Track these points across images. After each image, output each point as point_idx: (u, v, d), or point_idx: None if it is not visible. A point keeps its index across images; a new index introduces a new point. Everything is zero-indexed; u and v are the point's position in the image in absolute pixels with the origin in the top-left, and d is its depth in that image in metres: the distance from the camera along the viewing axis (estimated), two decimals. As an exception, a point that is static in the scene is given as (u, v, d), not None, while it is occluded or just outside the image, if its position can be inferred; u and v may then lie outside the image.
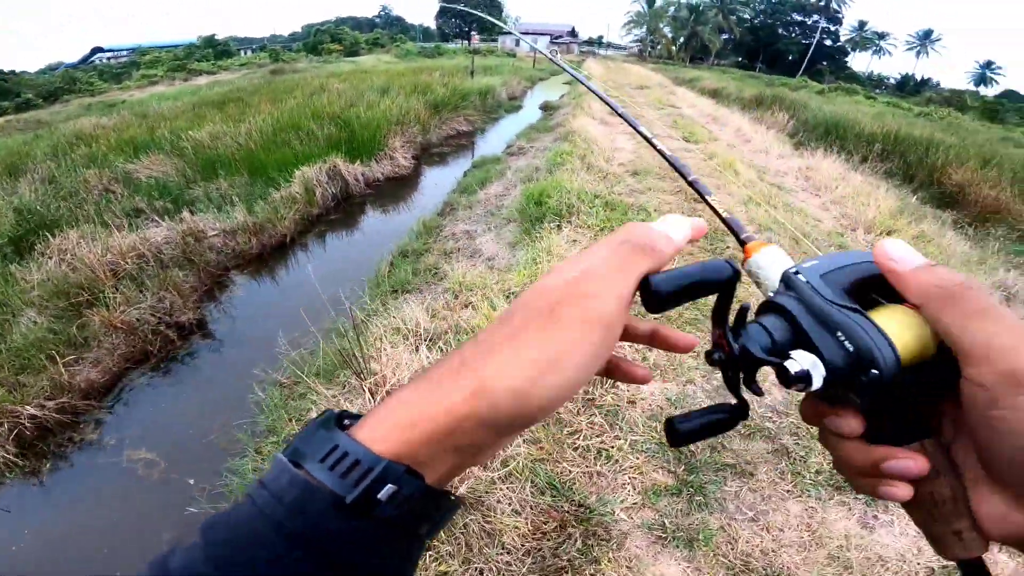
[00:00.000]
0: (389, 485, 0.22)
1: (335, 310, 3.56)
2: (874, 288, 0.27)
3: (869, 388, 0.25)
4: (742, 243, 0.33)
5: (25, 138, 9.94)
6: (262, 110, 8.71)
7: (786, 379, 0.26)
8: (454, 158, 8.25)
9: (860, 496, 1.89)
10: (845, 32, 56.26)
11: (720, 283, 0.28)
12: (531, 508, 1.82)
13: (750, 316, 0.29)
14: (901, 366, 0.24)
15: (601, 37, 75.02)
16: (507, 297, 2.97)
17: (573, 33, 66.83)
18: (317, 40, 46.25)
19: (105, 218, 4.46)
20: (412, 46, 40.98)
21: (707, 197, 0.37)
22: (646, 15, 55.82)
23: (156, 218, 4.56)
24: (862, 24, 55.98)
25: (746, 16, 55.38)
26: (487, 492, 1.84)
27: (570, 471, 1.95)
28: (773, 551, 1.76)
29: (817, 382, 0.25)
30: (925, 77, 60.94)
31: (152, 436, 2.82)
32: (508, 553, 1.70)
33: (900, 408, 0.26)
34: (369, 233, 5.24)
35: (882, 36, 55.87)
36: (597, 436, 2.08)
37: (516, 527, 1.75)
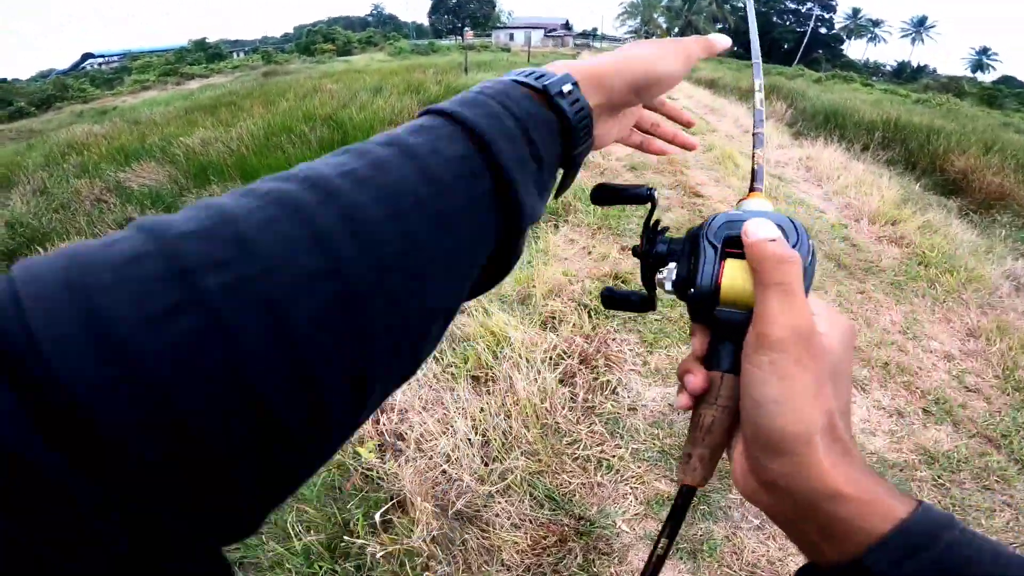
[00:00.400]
0: (568, 84, 0.31)
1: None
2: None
3: (691, 300, 0.33)
4: (751, 189, 0.39)
5: (17, 148, 9.88)
6: (254, 113, 8.63)
7: (654, 278, 0.37)
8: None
9: None
10: (839, 20, 55.95)
11: (639, 197, 0.40)
12: (530, 522, 1.76)
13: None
14: (719, 299, 0.31)
15: (596, 29, 74.52)
16: (503, 302, 2.90)
17: (567, 26, 66.42)
18: (309, 41, 46.05)
19: (98, 229, 4.40)
20: (405, 44, 40.71)
21: (756, 150, 0.44)
22: (640, 5, 55.49)
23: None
24: (856, 11, 55.72)
25: (740, 5, 54.98)
26: (485, 506, 1.78)
27: (570, 483, 1.89)
28: (780, 560, 1.71)
29: (667, 285, 0.35)
30: (921, 64, 60.62)
31: None
32: (508, 570, 1.64)
33: (719, 336, 0.32)
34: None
35: (876, 23, 55.58)
36: (597, 445, 2.02)
37: (515, 542, 1.69)
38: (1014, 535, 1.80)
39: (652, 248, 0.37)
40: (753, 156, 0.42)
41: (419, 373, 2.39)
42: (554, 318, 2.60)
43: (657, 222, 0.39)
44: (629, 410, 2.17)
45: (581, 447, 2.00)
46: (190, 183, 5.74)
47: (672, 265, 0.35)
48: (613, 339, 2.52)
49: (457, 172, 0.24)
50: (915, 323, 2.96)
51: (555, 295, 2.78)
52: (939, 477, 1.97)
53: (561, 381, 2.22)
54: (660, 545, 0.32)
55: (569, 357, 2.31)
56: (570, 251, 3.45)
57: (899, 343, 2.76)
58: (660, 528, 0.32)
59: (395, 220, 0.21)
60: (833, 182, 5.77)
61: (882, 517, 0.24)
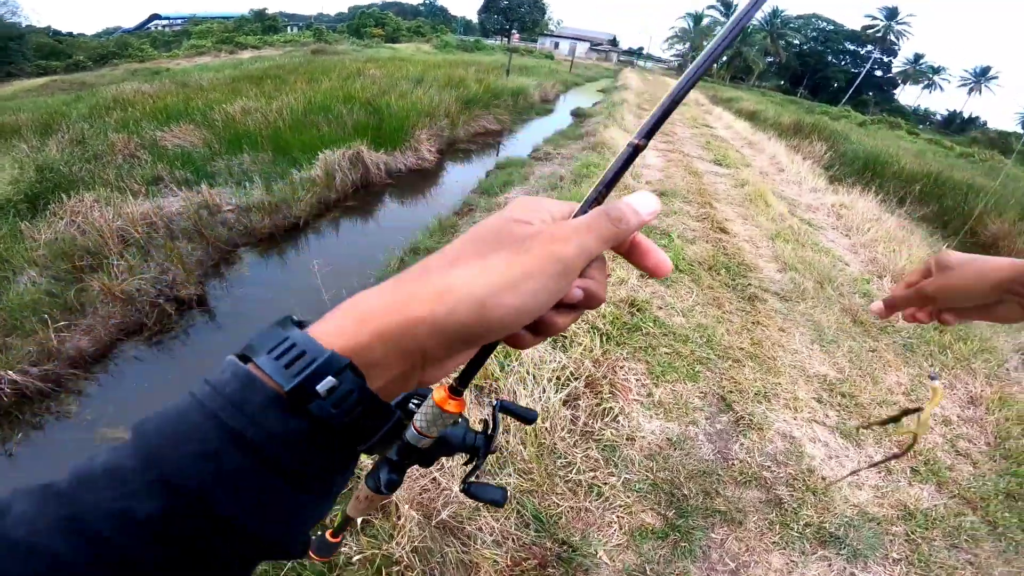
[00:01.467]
0: (329, 378, 0.22)
1: (337, 299, 3.50)
2: None
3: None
4: None
5: (66, 98, 10.15)
6: (297, 89, 8.77)
7: None
8: (479, 156, 8.18)
9: (843, 552, 1.87)
10: (898, 64, 54.86)
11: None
12: (513, 541, 1.73)
13: None
14: None
15: (641, 48, 74.38)
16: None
17: (614, 42, 66.38)
18: (361, 22, 46.78)
19: (124, 183, 4.49)
20: (452, 38, 41.08)
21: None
22: (691, 32, 55.19)
23: (175, 188, 4.58)
24: (918, 57, 54.49)
25: (795, 41, 54.40)
26: (469, 519, 1.76)
27: (558, 505, 1.86)
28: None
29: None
30: (972, 115, 59.08)
31: (131, 414, 2.71)
32: (482, 587, 1.62)
33: None
34: (384, 224, 5.19)
35: (937, 71, 54.29)
36: (591, 471, 1.98)
37: (495, 560, 1.66)
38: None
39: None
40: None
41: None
42: (566, 338, 2.57)
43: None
44: (627, 440, 2.13)
45: (575, 471, 1.97)
46: (222, 149, 5.84)
47: None
48: (621, 367, 2.49)
49: (150, 544, 0.19)
50: (920, 387, 2.92)
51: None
52: (912, 533, 1.99)
53: (564, 403, 2.19)
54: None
55: (576, 379, 2.29)
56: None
57: (900, 404, 2.71)
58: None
59: None
60: (862, 234, 5.64)
61: None
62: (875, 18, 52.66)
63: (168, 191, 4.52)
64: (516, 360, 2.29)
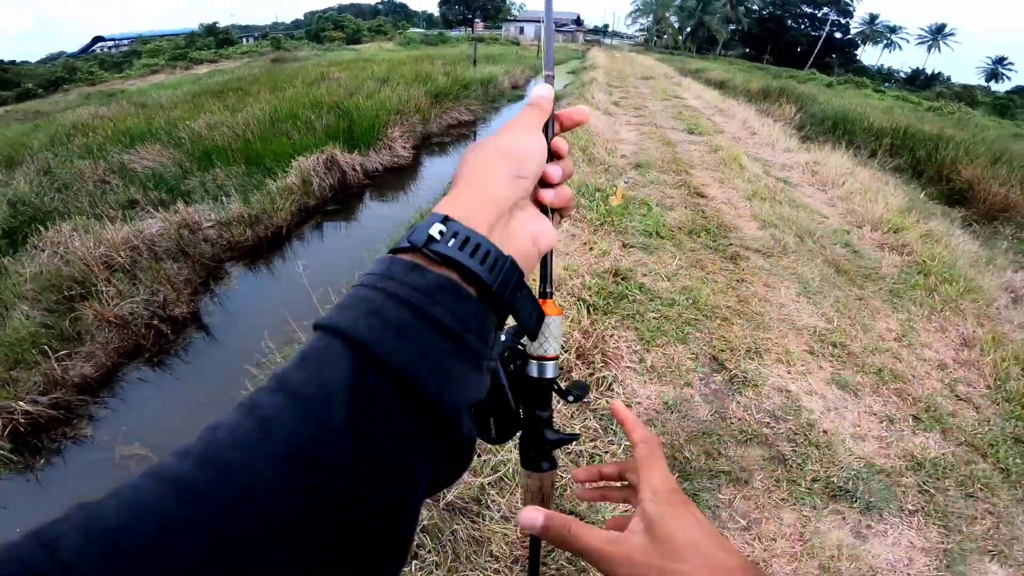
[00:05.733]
0: (436, 225, 0.28)
1: (325, 308, 3.51)
2: None
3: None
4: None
5: (24, 128, 9.86)
6: (261, 99, 8.61)
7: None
8: (455, 148, 8.16)
9: (855, 505, 1.86)
10: (855, 25, 55.36)
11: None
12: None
13: None
14: None
15: (607, 26, 74.00)
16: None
17: (578, 21, 65.95)
18: (319, 27, 45.82)
19: (99, 210, 4.41)
20: (415, 34, 40.50)
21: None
22: (652, 4, 54.99)
23: (151, 209, 4.51)
24: (873, 17, 55.04)
25: (755, 7, 54.53)
26: (476, 499, 1.80)
27: (561, 477, 1.90)
28: (764, 561, 1.72)
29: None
30: (936, 71, 60.03)
31: (144, 431, 2.80)
32: (496, 560, 1.66)
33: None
34: (367, 225, 5.18)
35: (894, 30, 54.93)
36: (591, 440, 2.03)
37: (505, 534, 1.71)
38: (993, 543, 1.81)
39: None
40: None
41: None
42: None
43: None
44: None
45: (574, 443, 2.01)
46: (194, 167, 5.74)
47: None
48: (611, 335, 2.53)
49: (348, 401, 0.22)
50: (911, 331, 2.96)
51: (555, 288, 2.80)
52: (924, 483, 1.99)
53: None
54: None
55: (566, 351, 2.32)
56: (571, 246, 3.45)
57: (894, 350, 2.76)
58: None
59: (293, 480, 0.20)
60: (838, 188, 5.76)
61: None
62: (826, -23, 52.90)
63: (145, 213, 4.45)
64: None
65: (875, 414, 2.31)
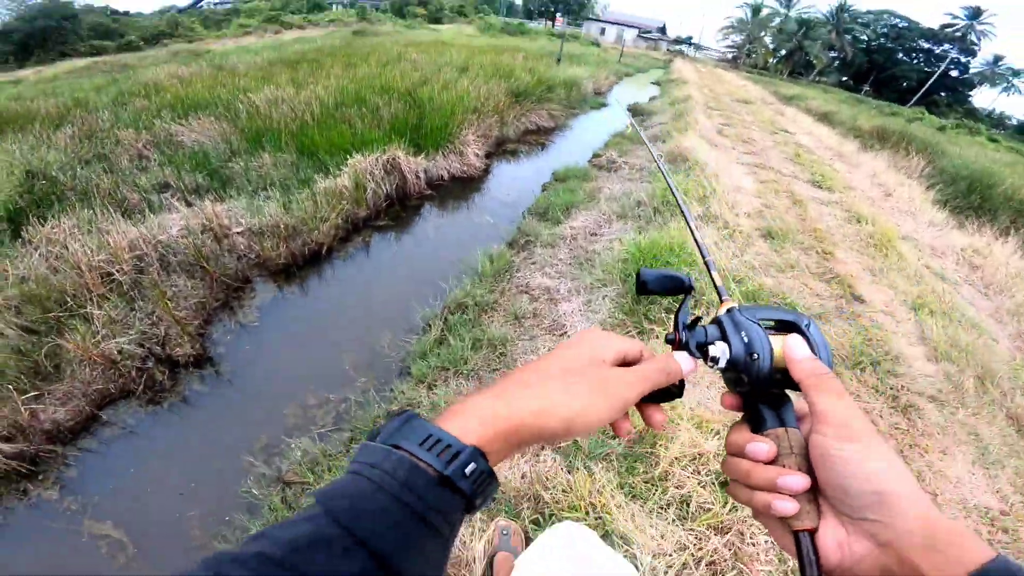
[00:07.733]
0: (472, 464, 0.32)
1: (363, 376, 2.73)
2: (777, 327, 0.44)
3: (752, 368, 0.41)
4: (720, 299, 0.49)
5: (99, 82, 9.63)
6: (331, 75, 7.97)
7: (706, 357, 0.43)
8: (531, 159, 7.17)
9: None
10: (976, 65, 50.26)
11: (681, 287, 0.49)
12: None
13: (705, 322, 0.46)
14: (773, 362, 0.41)
15: (691, 38, 70.64)
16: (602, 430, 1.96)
17: (663, 30, 63.22)
18: (404, 1, 45.86)
19: (122, 193, 3.75)
20: (496, 20, 39.62)
21: (712, 272, 0.55)
22: (749, 23, 51.83)
23: (181, 197, 3.82)
24: (998, 59, 49.69)
25: (863, 37, 50.38)
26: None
27: None
28: None
29: (723, 361, 0.42)
30: (1052, 122, 53.79)
31: (119, 506, 2.12)
32: None
33: (769, 394, 0.42)
34: (424, 252, 4.25)
35: (1017, 74, 49.41)
36: None
37: None
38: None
39: (692, 335, 0.45)
40: (711, 275, 0.53)
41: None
42: (687, 505, 1.63)
43: (698, 317, 0.46)
44: None
45: None
46: (242, 147, 5.07)
47: (718, 344, 0.43)
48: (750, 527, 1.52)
49: None
50: None
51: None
52: None
53: None
54: None
55: (697, 564, 1.35)
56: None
57: None
58: None
59: None
60: (1008, 296, 4.42)
61: (964, 562, 0.29)
62: (956, 17, 48.36)
63: (170, 205, 3.76)
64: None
65: None
